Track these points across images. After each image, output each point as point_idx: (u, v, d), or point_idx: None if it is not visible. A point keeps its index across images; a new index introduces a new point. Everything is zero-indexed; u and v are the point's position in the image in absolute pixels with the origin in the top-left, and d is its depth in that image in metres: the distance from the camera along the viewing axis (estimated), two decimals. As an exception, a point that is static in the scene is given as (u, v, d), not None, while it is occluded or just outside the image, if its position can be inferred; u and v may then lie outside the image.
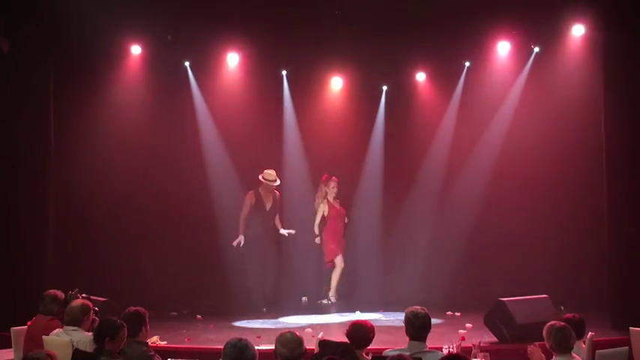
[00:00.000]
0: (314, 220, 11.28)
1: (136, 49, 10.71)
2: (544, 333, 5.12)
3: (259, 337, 7.82)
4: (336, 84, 11.81)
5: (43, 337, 5.90)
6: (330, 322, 9.80)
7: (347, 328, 5.40)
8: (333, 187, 11.24)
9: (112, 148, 10.78)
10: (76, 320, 5.91)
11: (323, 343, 5.37)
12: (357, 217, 11.65)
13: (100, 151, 10.72)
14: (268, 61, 11.15)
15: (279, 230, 10.95)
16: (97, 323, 5.69)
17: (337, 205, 11.30)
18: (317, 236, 11.28)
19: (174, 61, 11.00)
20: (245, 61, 11.17)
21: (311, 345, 5.44)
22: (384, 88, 11.82)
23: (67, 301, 6.31)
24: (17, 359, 6.63)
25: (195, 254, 11.10)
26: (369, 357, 5.32)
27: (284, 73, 11.54)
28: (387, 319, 9.76)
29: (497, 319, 8.02)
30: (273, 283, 10.85)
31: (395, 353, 4.70)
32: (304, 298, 11.42)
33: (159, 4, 9.95)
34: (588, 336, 5.96)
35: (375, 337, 5.42)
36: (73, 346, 5.60)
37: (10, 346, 6.88)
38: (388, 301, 10.64)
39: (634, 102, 8.81)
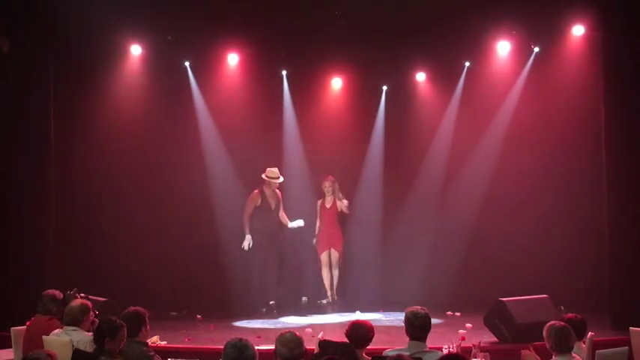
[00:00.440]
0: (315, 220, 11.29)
1: (136, 49, 10.71)
2: (544, 333, 5.12)
3: (259, 337, 7.82)
4: (336, 84, 11.81)
5: (43, 337, 5.90)
6: (330, 322, 9.81)
7: (347, 328, 5.40)
8: (327, 187, 11.22)
9: (112, 148, 10.77)
10: (76, 320, 5.91)
11: (323, 343, 5.37)
12: (356, 217, 11.64)
13: (100, 150, 10.71)
14: (268, 61, 11.15)
15: (287, 225, 10.87)
16: (96, 323, 5.70)
17: (328, 205, 11.25)
18: (315, 237, 11.28)
19: (174, 61, 11.00)
20: (245, 61, 11.17)
21: (311, 345, 5.44)
22: (384, 88, 11.82)
23: (65, 301, 6.32)
24: (17, 359, 6.63)
25: (195, 254, 11.09)
26: (369, 357, 5.32)
27: (284, 73, 11.53)
28: (387, 319, 9.76)
29: (497, 319, 8.02)
30: (277, 283, 10.78)
31: (395, 353, 4.70)
32: (304, 298, 11.42)
33: (159, 4, 9.96)
34: (588, 336, 5.96)
35: (375, 337, 5.42)
36: (73, 346, 5.60)
37: (10, 346, 6.88)
38: (388, 301, 10.64)
39: (634, 102, 8.81)
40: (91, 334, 5.63)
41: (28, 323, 6.51)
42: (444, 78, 11.52)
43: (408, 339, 5.20)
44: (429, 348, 5.18)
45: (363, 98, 11.78)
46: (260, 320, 9.85)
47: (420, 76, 11.67)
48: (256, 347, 4.29)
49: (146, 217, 10.88)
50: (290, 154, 11.59)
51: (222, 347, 4.24)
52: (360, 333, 5.32)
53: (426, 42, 10.61)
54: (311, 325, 9.30)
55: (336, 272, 11.26)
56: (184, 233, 11.09)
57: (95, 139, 10.68)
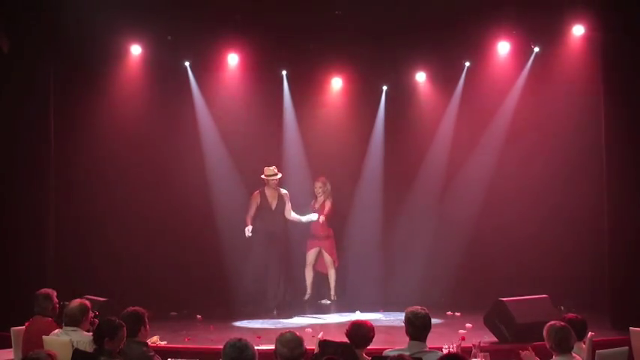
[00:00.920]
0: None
1: (136, 49, 10.71)
2: (544, 333, 5.12)
3: (259, 337, 7.83)
4: (336, 84, 11.81)
5: (43, 337, 5.90)
6: (330, 322, 9.81)
7: (347, 328, 5.40)
8: (318, 188, 11.21)
9: (112, 148, 10.76)
10: (75, 320, 5.91)
11: (323, 343, 5.37)
12: (357, 217, 11.64)
13: (100, 150, 10.71)
14: (268, 61, 11.15)
15: (301, 220, 10.80)
16: (96, 323, 5.70)
17: (318, 205, 11.24)
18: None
19: (174, 61, 11.00)
20: (245, 61, 11.17)
21: (311, 345, 5.44)
22: (384, 88, 11.82)
23: (61, 309, 6.31)
24: (17, 359, 6.63)
25: (195, 254, 11.08)
26: (369, 357, 5.32)
27: (284, 73, 11.53)
28: (387, 319, 9.76)
29: (497, 319, 8.02)
30: (280, 283, 10.75)
31: (395, 353, 4.71)
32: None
33: (159, 4, 9.96)
34: (588, 336, 5.96)
35: (375, 337, 5.43)
36: (72, 346, 5.60)
37: (10, 346, 6.89)
38: (388, 301, 10.64)
39: (633, 102, 8.82)
40: (90, 334, 5.63)
41: (27, 324, 6.51)
42: (444, 78, 11.52)
43: (408, 339, 5.20)
44: (429, 348, 5.18)
45: (363, 98, 11.78)
46: (260, 320, 9.83)
47: (420, 76, 11.67)
48: (256, 347, 4.29)
49: (146, 217, 10.87)
50: (290, 154, 11.58)
51: (222, 347, 4.24)
52: (360, 333, 5.33)
53: (426, 42, 10.62)
54: (311, 325, 9.30)
55: (332, 272, 11.26)
56: (185, 233, 11.09)
57: (95, 139, 10.67)
